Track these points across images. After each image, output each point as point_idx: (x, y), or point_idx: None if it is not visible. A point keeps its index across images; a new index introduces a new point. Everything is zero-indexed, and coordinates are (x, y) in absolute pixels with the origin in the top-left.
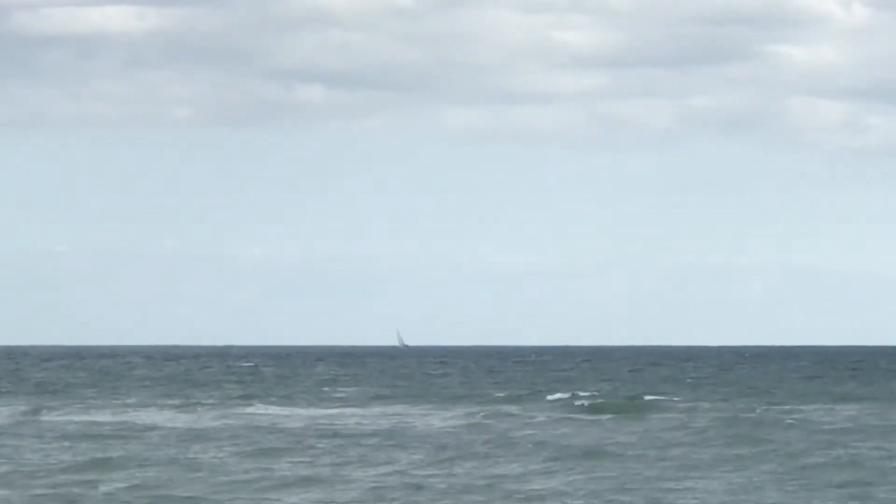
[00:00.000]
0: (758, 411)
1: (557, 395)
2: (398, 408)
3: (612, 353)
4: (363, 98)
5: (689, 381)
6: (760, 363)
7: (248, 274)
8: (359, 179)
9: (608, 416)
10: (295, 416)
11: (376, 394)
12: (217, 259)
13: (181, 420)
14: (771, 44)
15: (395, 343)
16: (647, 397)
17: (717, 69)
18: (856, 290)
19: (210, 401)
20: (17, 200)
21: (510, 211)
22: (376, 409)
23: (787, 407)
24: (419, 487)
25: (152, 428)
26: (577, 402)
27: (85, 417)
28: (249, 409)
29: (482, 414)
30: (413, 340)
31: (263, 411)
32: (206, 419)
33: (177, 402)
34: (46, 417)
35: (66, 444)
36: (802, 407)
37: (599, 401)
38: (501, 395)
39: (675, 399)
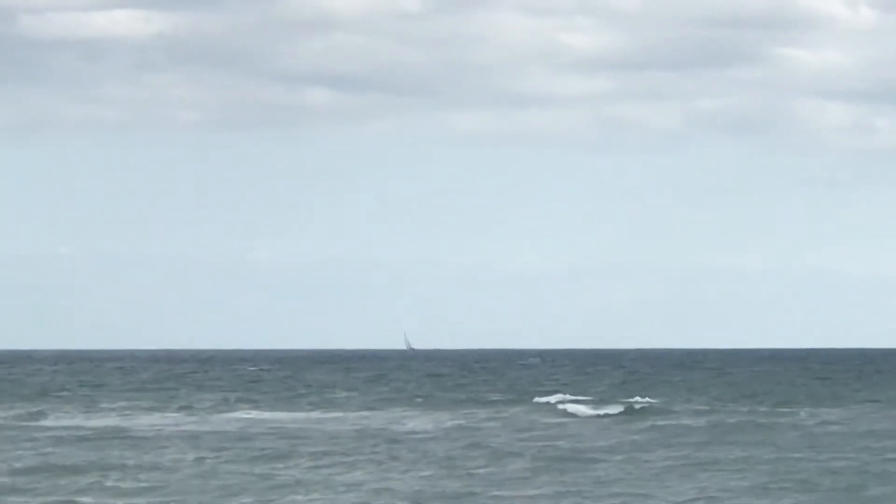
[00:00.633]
0: (747, 414)
1: (545, 399)
2: (395, 413)
3: (619, 356)
4: (369, 101)
5: (683, 383)
6: (766, 365)
7: (254, 277)
8: (365, 182)
9: (590, 419)
10: (296, 419)
11: (375, 398)
12: (223, 262)
13: (183, 423)
14: (777, 46)
15: (403, 347)
16: (638, 400)
17: (723, 71)
18: (863, 293)
19: (212, 404)
20: (23, 204)
21: (516, 213)
22: (374, 413)
23: (785, 409)
24: (407, 494)
25: (154, 431)
26: (561, 406)
27: (85, 422)
28: (252, 414)
29: (481, 416)
30: (420, 344)
31: (264, 415)
32: (208, 423)
33: (179, 405)
34: (44, 422)
35: (63, 448)
36: (802, 409)
37: (582, 406)
38: (496, 398)
39: (667, 402)
